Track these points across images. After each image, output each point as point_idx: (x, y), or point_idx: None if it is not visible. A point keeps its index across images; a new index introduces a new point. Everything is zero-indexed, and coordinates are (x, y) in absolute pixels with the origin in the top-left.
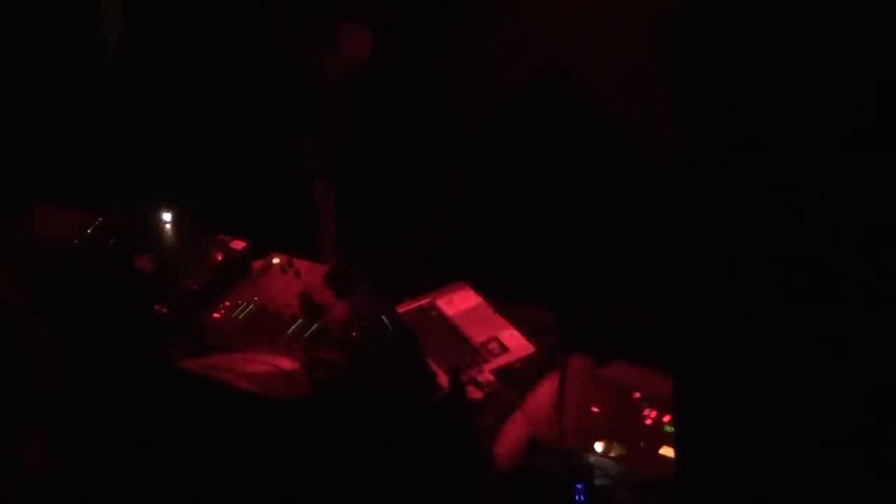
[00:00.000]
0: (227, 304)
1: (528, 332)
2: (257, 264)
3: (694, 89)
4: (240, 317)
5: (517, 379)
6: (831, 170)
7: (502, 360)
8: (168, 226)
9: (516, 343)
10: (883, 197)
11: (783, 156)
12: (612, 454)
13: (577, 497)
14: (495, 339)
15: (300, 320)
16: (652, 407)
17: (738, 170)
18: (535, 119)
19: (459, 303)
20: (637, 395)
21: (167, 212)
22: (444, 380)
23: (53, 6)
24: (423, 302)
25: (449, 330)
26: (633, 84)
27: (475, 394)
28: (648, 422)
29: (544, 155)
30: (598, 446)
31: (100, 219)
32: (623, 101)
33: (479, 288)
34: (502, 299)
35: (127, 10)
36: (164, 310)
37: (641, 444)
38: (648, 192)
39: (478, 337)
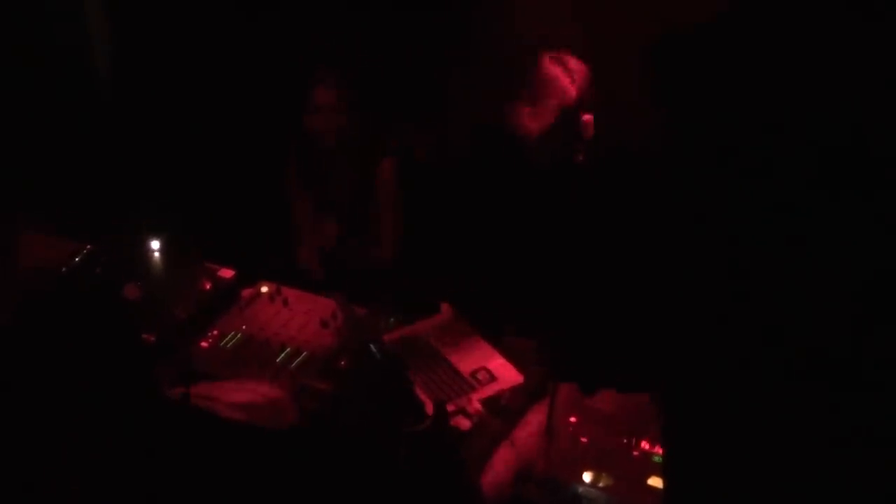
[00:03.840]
0: (216, 332)
1: (517, 362)
2: (246, 293)
3: (681, 108)
4: (228, 345)
5: (505, 408)
6: (816, 193)
7: (491, 390)
8: (157, 254)
9: (505, 373)
10: (867, 223)
11: (769, 178)
12: (600, 484)
13: None
14: (484, 368)
15: (289, 349)
16: (640, 437)
17: (724, 195)
18: (519, 149)
19: (449, 332)
20: (626, 425)
21: (156, 240)
22: (432, 409)
23: (42, 30)
24: (413, 331)
25: (438, 359)
26: (619, 113)
27: (463, 424)
28: (637, 452)
29: (530, 186)
30: (587, 476)
31: (88, 247)
32: (608, 130)
33: (468, 318)
34: (491, 329)
35: (115, 34)
36: (152, 338)
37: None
38: (635, 220)
39: (466, 366)
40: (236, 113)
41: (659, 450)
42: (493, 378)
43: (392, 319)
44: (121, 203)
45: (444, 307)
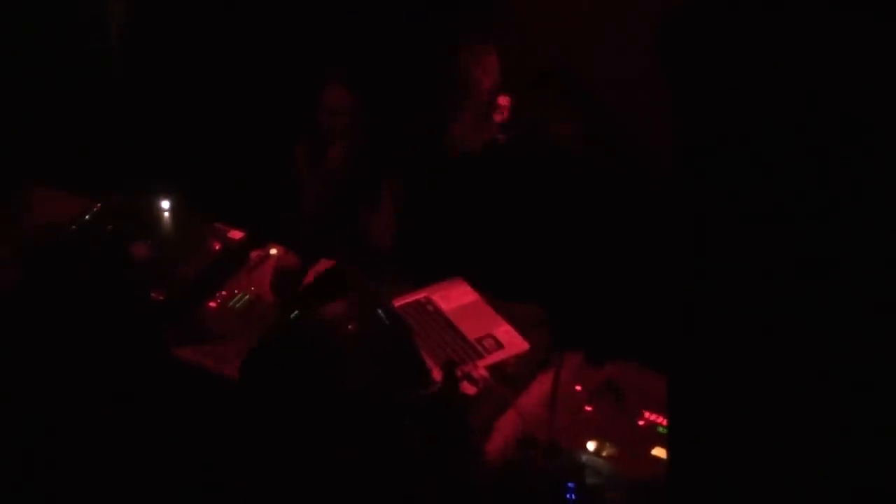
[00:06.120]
0: (224, 293)
1: (524, 329)
2: (255, 255)
3: (694, 87)
4: (236, 306)
5: (511, 376)
6: (827, 169)
7: (497, 357)
8: (166, 213)
9: (511, 340)
10: (881, 197)
11: (782, 156)
12: (604, 453)
13: (567, 496)
14: (490, 335)
15: (296, 311)
16: (645, 407)
17: (735, 169)
18: (530, 119)
19: (456, 298)
20: (631, 394)
21: (165, 200)
22: (438, 374)
23: None
24: (420, 296)
25: (444, 325)
26: (632, 86)
27: (469, 389)
28: (641, 422)
29: (539, 154)
30: (591, 445)
31: (98, 205)
32: (621, 101)
33: (475, 284)
34: (498, 296)
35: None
36: (161, 297)
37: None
38: (645, 190)
39: (473, 333)
40: (252, 79)
41: (664, 420)
42: (499, 345)
43: (400, 285)
44: (132, 162)
45: (452, 274)
